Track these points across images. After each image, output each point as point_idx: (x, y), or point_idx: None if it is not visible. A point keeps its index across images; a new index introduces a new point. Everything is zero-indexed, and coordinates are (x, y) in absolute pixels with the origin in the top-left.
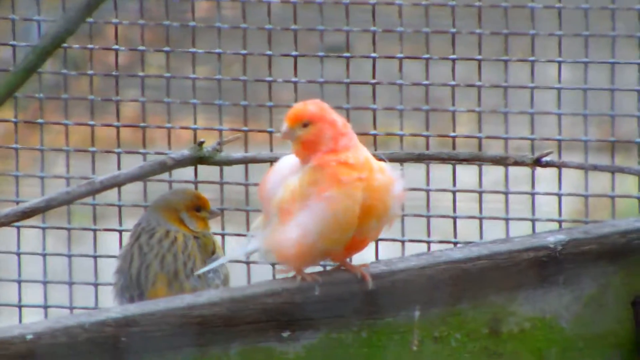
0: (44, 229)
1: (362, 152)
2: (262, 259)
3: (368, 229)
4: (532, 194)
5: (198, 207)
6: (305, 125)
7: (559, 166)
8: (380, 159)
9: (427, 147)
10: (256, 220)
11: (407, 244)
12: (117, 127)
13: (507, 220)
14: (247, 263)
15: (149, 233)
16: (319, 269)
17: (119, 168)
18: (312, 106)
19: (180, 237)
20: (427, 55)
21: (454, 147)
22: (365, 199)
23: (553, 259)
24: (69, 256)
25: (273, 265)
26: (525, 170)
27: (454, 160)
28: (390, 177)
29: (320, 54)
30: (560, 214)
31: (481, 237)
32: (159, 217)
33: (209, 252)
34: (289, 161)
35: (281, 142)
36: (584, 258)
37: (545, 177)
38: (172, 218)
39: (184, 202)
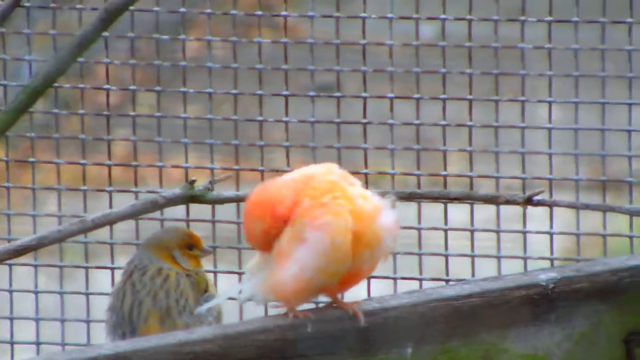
0: (36, 266)
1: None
2: (258, 303)
3: (362, 260)
4: (524, 232)
5: (190, 245)
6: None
7: (551, 205)
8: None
9: (419, 186)
10: (250, 260)
11: (399, 282)
12: (109, 166)
13: (498, 258)
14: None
15: (141, 270)
16: (311, 306)
17: (110, 206)
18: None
19: (172, 274)
20: (417, 95)
21: (445, 186)
22: (353, 226)
23: (545, 297)
24: (61, 293)
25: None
26: (517, 209)
27: (446, 199)
28: (376, 204)
29: (311, 93)
30: (552, 252)
31: (473, 274)
32: (151, 255)
33: (202, 289)
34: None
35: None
36: (576, 296)
37: (536, 215)
38: (164, 256)
39: (176, 240)
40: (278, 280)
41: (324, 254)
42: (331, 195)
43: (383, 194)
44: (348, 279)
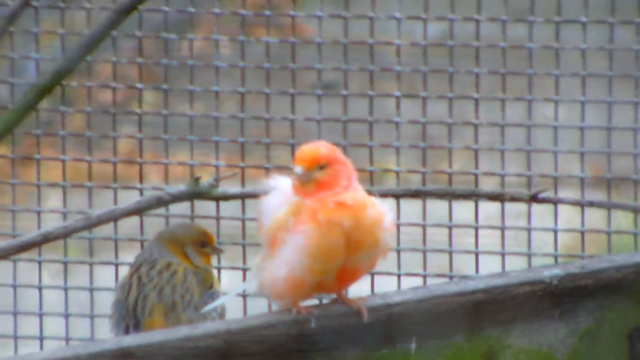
0: (40, 262)
1: (360, 192)
2: (262, 296)
3: (358, 260)
4: (528, 229)
5: (204, 243)
6: (322, 167)
7: (556, 202)
8: (370, 194)
9: (424, 183)
10: (256, 257)
11: (403, 278)
12: (114, 163)
13: (503, 254)
14: (244, 296)
15: (150, 264)
16: (316, 302)
17: (115, 203)
18: (324, 148)
19: (180, 270)
20: (424, 94)
21: (450, 183)
22: (354, 235)
23: (549, 293)
24: (65, 289)
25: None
26: (521, 206)
27: (451, 196)
28: (381, 211)
29: (318, 92)
30: (556, 249)
31: (477, 271)
32: (162, 249)
33: (207, 286)
34: (279, 194)
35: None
36: (580, 292)
37: (540, 212)
38: (176, 251)
39: (191, 237)
40: (272, 278)
41: (304, 256)
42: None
43: (387, 192)
44: (345, 277)
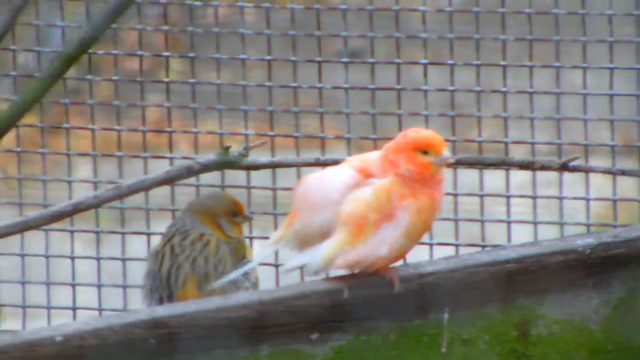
0: (71, 232)
1: None
2: (312, 273)
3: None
4: (560, 198)
5: (235, 212)
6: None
7: (587, 171)
8: None
9: (454, 152)
10: (278, 230)
11: (435, 247)
12: (143, 132)
13: (535, 223)
14: (276, 266)
15: (182, 235)
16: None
17: (145, 172)
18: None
19: (213, 240)
20: (451, 61)
21: (479, 152)
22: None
23: (582, 263)
24: (97, 259)
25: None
26: (551, 175)
27: (482, 164)
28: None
29: (344, 59)
30: (588, 218)
31: (509, 240)
32: (194, 220)
33: (240, 256)
34: (340, 174)
35: (307, 146)
36: (613, 262)
37: (570, 180)
38: (209, 222)
39: (223, 208)
40: (361, 256)
41: (407, 233)
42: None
43: None
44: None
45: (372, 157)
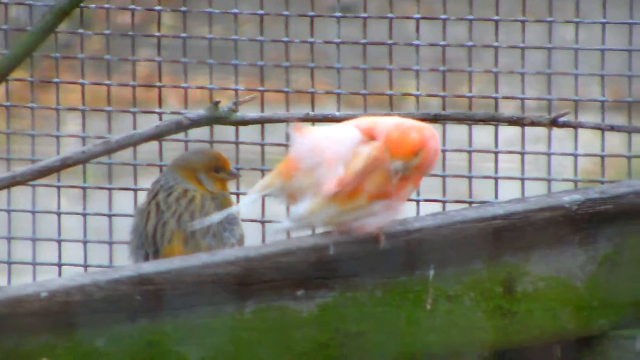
0: (58, 187)
1: None
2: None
3: None
4: (548, 154)
5: (217, 168)
6: (417, 155)
7: (576, 126)
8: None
9: (444, 107)
10: (265, 177)
11: (422, 204)
12: (133, 87)
13: (522, 180)
14: (262, 222)
15: (167, 191)
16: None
17: (134, 127)
18: (415, 133)
19: (198, 196)
20: (444, 16)
21: (469, 107)
22: None
23: (568, 219)
24: (84, 215)
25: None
26: (540, 130)
27: (471, 120)
28: None
29: (337, 14)
30: (575, 174)
31: (496, 196)
32: (177, 176)
33: None
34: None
35: (297, 101)
36: (600, 218)
37: (559, 136)
38: (190, 177)
39: (203, 162)
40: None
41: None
42: None
43: (407, 116)
44: None
45: (382, 124)
